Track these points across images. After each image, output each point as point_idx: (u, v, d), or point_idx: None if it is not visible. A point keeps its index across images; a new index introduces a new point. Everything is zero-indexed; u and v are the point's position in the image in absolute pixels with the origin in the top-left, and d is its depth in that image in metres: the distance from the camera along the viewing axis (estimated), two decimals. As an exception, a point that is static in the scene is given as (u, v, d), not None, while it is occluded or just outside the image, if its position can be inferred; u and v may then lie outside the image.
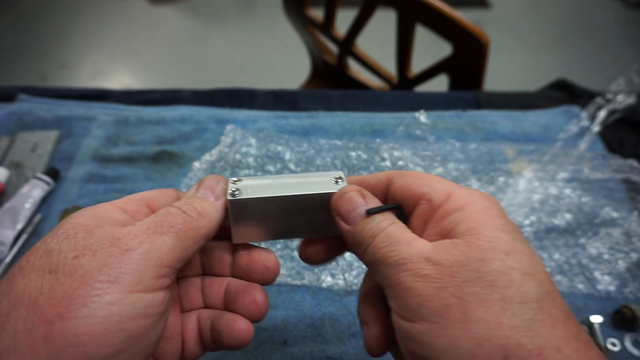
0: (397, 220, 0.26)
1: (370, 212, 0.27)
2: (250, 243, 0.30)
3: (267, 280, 0.30)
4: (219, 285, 0.30)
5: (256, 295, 0.29)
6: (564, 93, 0.70)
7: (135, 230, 0.24)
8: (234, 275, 0.31)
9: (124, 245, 0.23)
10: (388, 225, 0.25)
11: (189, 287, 0.30)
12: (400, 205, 0.28)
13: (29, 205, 0.51)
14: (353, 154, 0.58)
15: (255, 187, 0.28)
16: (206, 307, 0.30)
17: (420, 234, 0.26)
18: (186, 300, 0.30)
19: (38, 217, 0.52)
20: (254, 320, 0.29)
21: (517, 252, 0.22)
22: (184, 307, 0.30)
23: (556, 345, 0.20)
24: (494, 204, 0.25)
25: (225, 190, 0.28)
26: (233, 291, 0.29)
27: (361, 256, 0.26)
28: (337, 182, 0.28)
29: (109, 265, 0.22)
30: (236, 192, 0.28)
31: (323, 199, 0.28)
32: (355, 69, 1.04)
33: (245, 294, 0.29)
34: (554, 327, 0.20)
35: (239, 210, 0.28)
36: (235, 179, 0.29)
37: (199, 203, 0.27)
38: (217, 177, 0.29)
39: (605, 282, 0.47)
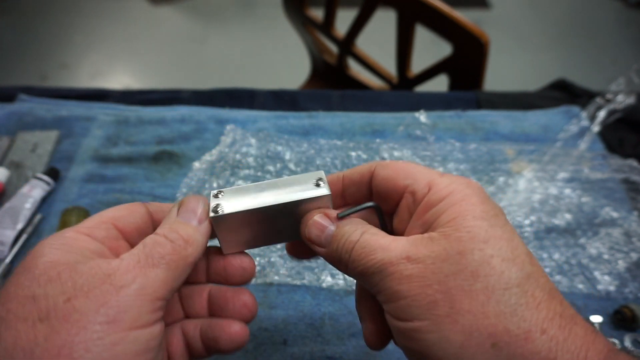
0: (368, 227, 0.26)
1: (340, 217, 0.28)
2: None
3: (245, 281, 0.30)
4: (199, 294, 0.30)
5: (246, 299, 0.29)
6: (564, 93, 0.70)
7: (125, 264, 0.23)
8: (210, 280, 0.30)
9: (118, 282, 0.22)
10: (360, 236, 0.25)
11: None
12: (374, 204, 0.28)
13: (29, 205, 0.51)
14: (353, 154, 0.58)
15: (237, 199, 0.28)
16: (187, 317, 0.30)
17: (406, 226, 0.27)
18: (166, 314, 0.29)
19: (38, 217, 0.52)
20: (246, 322, 0.29)
21: (496, 239, 0.23)
22: (165, 321, 0.29)
23: (541, 327, 0.21)
24: (473, 191, 0.25)
25: (207, 211, 0.28)
26: (219, 298, 0.29)
27: (345, 272, 0.27)
28: (318, 184, 0.28)
29: (106, 305, 0.21)
30: (217, 208, 0.27)
31: (305, 203, 0.28)
32: (355, 69, 1.04)
33: (235, 299, 0.29)
34: (538, 309, 0.21)
35: (222, 225, 0.28)
36: (215, 192, 0.29)
37: (183, 229, 0.26)
38: (198, 197, 0.28)
39: (605, 282, 0.47)
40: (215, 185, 0.55)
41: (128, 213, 0.27)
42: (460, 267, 0.22)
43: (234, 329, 0.28)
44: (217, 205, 0.27)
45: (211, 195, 0.29)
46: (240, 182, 0.55)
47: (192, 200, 0.28)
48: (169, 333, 0.29)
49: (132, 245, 0.27)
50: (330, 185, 0.29)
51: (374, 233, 0.26)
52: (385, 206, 0.29)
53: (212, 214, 0.27)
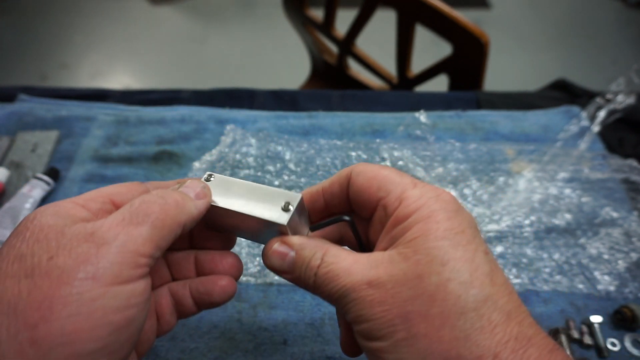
0: (328, 247, 0.26)
1: (312, 229, 0.28)
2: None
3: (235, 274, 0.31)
4: (186, 259, 0.31)
5: (232, 260, 0.31)
6: (564, 93, 0.70)
7: (109, 222, 0.23)
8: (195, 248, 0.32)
9: (99, 239, 0.22)
10: (320, 259, 0.26)
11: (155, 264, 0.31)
12: (347, 218, 0.27)
13: (29, 206, 0.51)
14: (353, 154, 0.58)
15: (220, 190, 0.29)
16: (174, 279, 0.31)
17: (377, 239, 0.27)
18: (154, 277, 0.30)
19: (38, 217, 0.52)
20: (235, 278, 0.31)
21: (455, 261, 0.23)
22: (154, 283, 0.30)
23: (494, 352, 0.21)
24: (441, 206, 0.25)
25: (208, 194, 0.28)
26: (205, 261, 0.31)
27: (314, 294, 0.27)
28: (286, 208, 0.28)
29: (86, 261, 0.21)
30: None
31: (265, 222, 0.28)
32: (355, 69, 1.04)
33: (223, 261, 0.30)
34: (492, 333, 0.21)
35: None
36: (207, 175, 0.30)
37: (178, 194, 0.26)
38: (200, 181, 0.29)
39: (605, 282, 0.47)
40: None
41: (126, 190, 0.28)
42: (418, 291, 0.22)
43: (225, 282, 0.30)
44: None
45: (203, 177, 0.30)
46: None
47: (194, 181, 0.28)
48: (157, 295, 0.30)
49: None
50: (311, 201, 0.30)
51: (335, 254, 0.26)
52: (364, 214, 0.29)
53: None
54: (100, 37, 2.19)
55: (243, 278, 0.47)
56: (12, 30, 2.21)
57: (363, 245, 0.29)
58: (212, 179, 0.30)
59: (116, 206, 0.27)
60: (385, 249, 0.25)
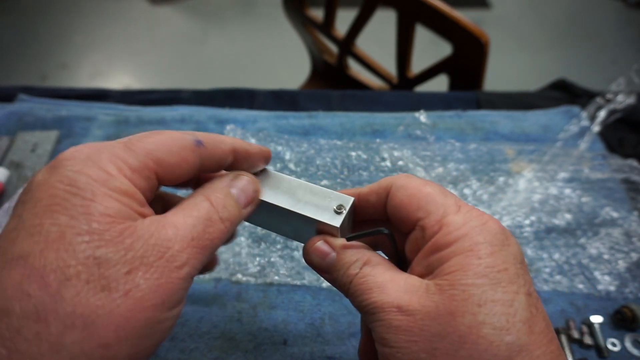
0: (370, 256, 0.26)
1: (348, 239, 0.27)
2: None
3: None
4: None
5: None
6: (564, 93, 0.70)
7: (180, 240, 0.22)
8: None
9: (174, 261, 0.22)
10: (359, 269, 0.25)
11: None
12: (386, 231, 0.26)
13: (29, 205, 0.51)
14: (353, 154, 0.58)
15: (269, 185, 0.29)
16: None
17: (414, 257, 0.26)
18: None
19: (38, 217, 0.52)
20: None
21: (492, 304, 0.21)
22: None
23: None
24: (486, 238, 0.23)
25: (256, 197, 0.28)
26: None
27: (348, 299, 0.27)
28: (339, 211, 0.28)
29: (163, 286, 0.21)
30: None
31: (316, 222, 0.28)
32: (355, 69, 1.04)
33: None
34: None
35: None
36: (259, 170, 0.30)
37: (232, 211, 0.26)
38: (252, 180, 0.28)
39: (606, 282, 0.47)
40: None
41: (177, 161, 0.25)
42: (448, 329, 0.21)
43: None
44: None
45: (257, 170, 0.30)
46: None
47: (249, 182, 0.28)
48: None
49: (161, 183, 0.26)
50: None
51: (374, 266, 0.25)
52: (401, 228, 0.27)
53: None
54: (100, 37, 2.19)
55: (243, 278, 0.47)
56: (12, 30, 2.21)
57: (402, 260, 0.28)
58: (262, 174, 0.30)
59: (160, 179, 0.24)
60: (420, 275, 0.24)
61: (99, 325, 0.19)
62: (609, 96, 0.63)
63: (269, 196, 0.29)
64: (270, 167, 0.32)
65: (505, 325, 0.21)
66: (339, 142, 0.60)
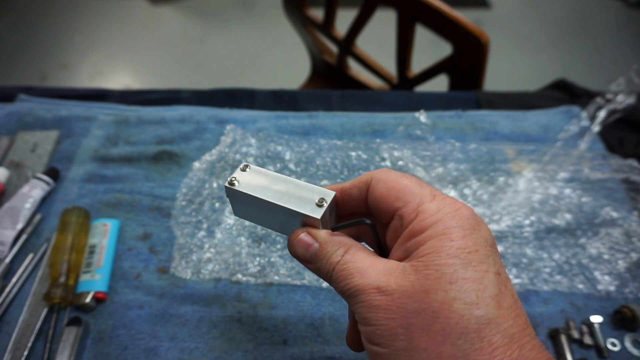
0: (351, 245, 0.28)
1: (333, 229, 0.29)
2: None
3: None
4: None
5: None
6: (564, 93, 0.70)
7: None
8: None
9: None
10: (341, 257, 0.27)
11: None
12: (368, 221, 0.28)
13: (29, 205, 0.51)
14: (353, 154, 0.58)
15: (254, 181, 0.31)
16: None
17: (392, 245, 0.28)
18: None
19: (38, 217, 0.52)
20: None
21: (463, 281, 0.23)
22: None
23: None
24: (458, 223, 0.25)
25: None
26: None
27: (332, 287, 0.29)
28: (320, 204, 0.29)
29: None
30: (234, 181, 0.31)
31: (299, 214, 0.29)
32: (355, 69, 1.04)
33: None
34: (491, 355, 0.22)
35: (233, 196, 0.32)
36: (243, 165, 0.32)
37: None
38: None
39: (605, 282, 0.47)
40: (215, 185, 0.55)
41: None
42: (423, 305, 0.23)
43: None
44: (234, 179, 0.31)
45: (239, 168, 0.32)
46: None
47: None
48: None
49: None
50: None
51: (354, 253, 0.27)
52: (382, 219, 0.29)
53: (227, 184, 0.31)
54: (100, 37, 2.19)
55: (243, 278, 0.47)
56: (12, 30, 2.21)
57: (383, 248, 0.30)
58: (247, 169, 0.31)
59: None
60: (399, 259, 0.26)
61: None
62: (609, 96, 0.63)
63: (255, 190, 0.30)
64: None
65: (475, 300, 0.22)
66: (339, 142, 0.60)
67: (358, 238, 0.32)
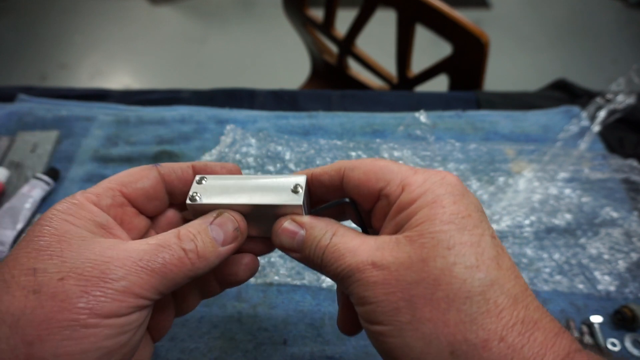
0: (338, 227, 0.27)
1: (313, 212, 0.28)
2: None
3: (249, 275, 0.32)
4: None
5: (247, 260, 0.31)
6: (564, 93, 0.70)
7: (123, 257, 0.23)
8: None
9: (109, 273, 0.22)
10: (329, 239, 0.26)
11: None
12: (348, 200, 0.27)
13: (29, 205, 0.51)
14: (353, 154, 0.58)
15: (217, 189, 0.29)
16: None
17: (382, 225, 0.27)
18: None
19: (38, 217, 0.51)
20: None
21: (460, 245, 0.22)
22: None
23: (500, 335, 0.21)
24: (447, 190, 0.24)
25: (236, 236, 0.28)
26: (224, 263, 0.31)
27: (322, 274, 0.27)
28: (295, 190, 0.28)
29: (90, 292, 0.22)
30: (195, 196, 0.28)
31: (277, 207, 0.28)
32: (355, 69, 1.04)
33: (238, 262, 0.31)
34: (499, 317, 0.21)
35: (197, 213, 0.29)
36: (199, 178, 0.29)
37: (204, 245, 0.26)
38: (235, 219, 0.28)
39: (606, 282, 0.47)
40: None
41: (137, 179, 0.29)
42: (422, 275, 0.22)
43: (247, 259, 0.31)
44: (195, 193, 0.28)
45: (194, 181, 0.29)
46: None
47: (229, 222, 0.28)
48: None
49: (141, 209, 0.29)
50: None
51: (343, 234, 0.26)
52: (364, 206, 0.28)
53: (188, 201, 0.28)
54: (100, 37, 2.19)
55: (243, 278, 0.47)
56: (12, 30, 2.21)
57: (365, 225, 0.29)
58: (204, 181, 0.29)
59: (127, 198, 0.28)
60: (391, 234, 0.25)
61: (23, 323, 0.21)
62: (609, 96, 0.63)
63: (221, 198, 0.28)
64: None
65: (475, 263, 0.22)
66: (339, 142, 0.60)
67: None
